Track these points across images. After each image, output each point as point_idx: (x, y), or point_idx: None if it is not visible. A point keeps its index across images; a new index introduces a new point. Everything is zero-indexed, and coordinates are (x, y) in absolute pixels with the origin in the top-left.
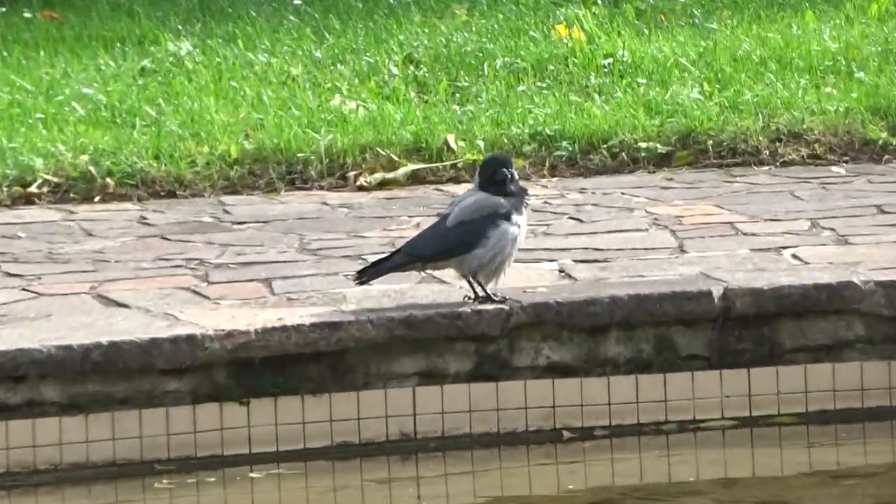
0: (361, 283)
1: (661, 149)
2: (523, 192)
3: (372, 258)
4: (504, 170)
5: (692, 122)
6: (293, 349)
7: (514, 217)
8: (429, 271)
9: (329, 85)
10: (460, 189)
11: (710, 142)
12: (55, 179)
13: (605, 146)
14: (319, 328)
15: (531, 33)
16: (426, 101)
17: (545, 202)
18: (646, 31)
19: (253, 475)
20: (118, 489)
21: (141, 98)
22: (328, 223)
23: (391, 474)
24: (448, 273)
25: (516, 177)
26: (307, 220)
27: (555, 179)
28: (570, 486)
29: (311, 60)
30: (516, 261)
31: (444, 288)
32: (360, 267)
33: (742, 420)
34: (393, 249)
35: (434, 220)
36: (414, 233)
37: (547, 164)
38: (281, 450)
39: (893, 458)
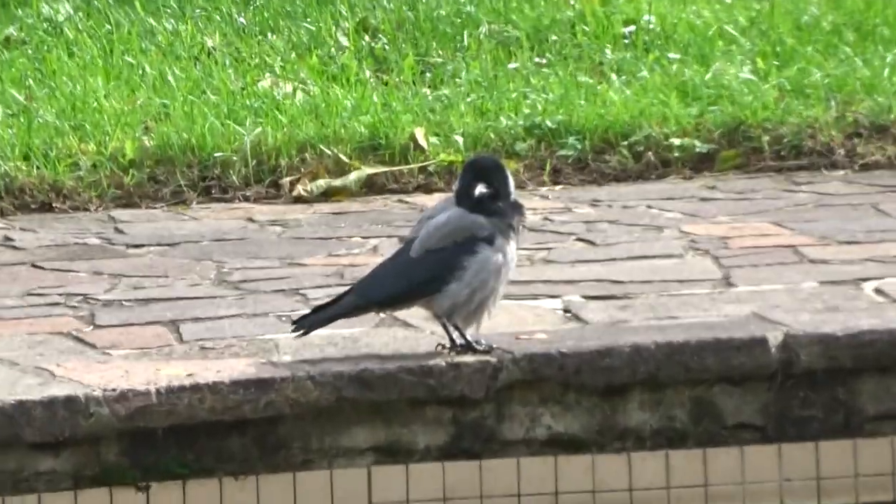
0: (300, 335)
1: (700, 147)
2: (516, 208)
3: (314, 294)
4: (479, 185)
5: (742, 111)
6: (208, 416)
7: (499, 242)
8: (389, 313)
9: (256, 61)
10: (431, 200)
11: (766, 138)
12: None
13: (625, 143)
14: (243, 388)
15: None
16: (386, 83)
17: (545, 218)
18: None
19: None
20: None
21: (4, 78)
22: (255, 246)
23: None
24: (416, 313)
25: (510, 187)
26: (227, 243)
27: (558, 188)
28: None
29: (232, 29)
30: (507, 297)
31: (411, 333)
32: (299, 311)
33: None
34: (341, 283)
35: (396, 243)
36: (370, 260)
37: (548, 167)
38: None
39: None
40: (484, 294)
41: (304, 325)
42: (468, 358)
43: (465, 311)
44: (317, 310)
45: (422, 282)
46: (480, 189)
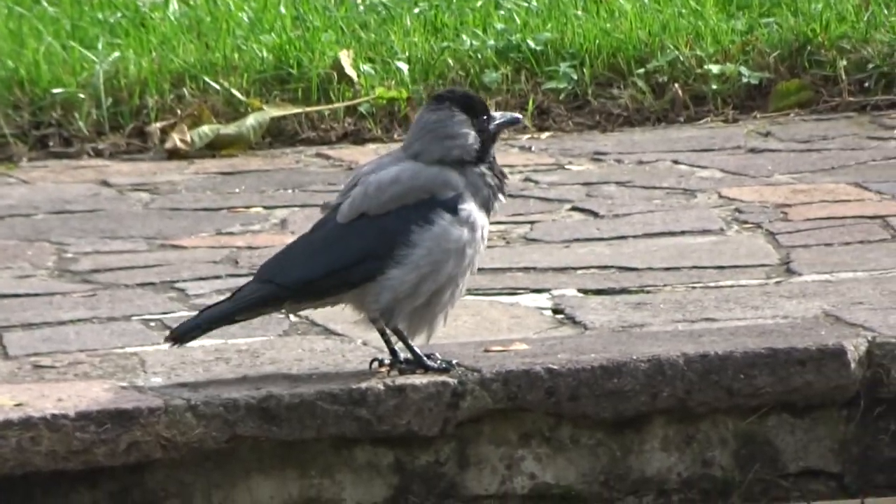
0: (177, 343)
1: (748, 76)
2: (496, 173)
3: (195, 289)
4: (462, 116)
5: (808, 24)
6: (45, 464)
7: (467, 210)
8: (305, 312)
9: None
10: (364, 153)
11: (844, 62)
12: None
13: (641, 72)
14: (95, 423)
15: None
16: None
17: (527, 179)
18: None
19: None
20: None
21: None
22: (112, 221)
23: None
24: (342, 313)
25: (493, 126)
26: (72, 216)
27: (545, 136)
28: None
29: None
30: (472, 291)
31: (334, 344)
32: (176, 313)
33: None
34: (235, 272)
35: (315, 214)
36: (277, 239)
37: (531, 106)
38: None
39: None
40: (438, 284)
41: (184, 331)
42: (417, 379)
43: (411, 308)
44: (204, 310)
45: (349, 263)
46: (501, 117)
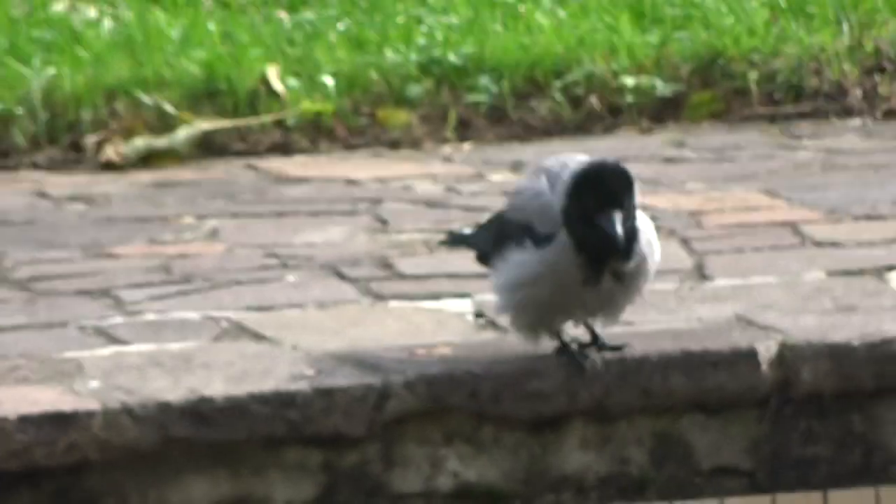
0: (448, 245)
1: (662, 88)
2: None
3: (130, 296)
4: (615, 214)
5: (720, 38)
6: None
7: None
8: (237, 317)
9: None
10: (291, 165)
11: (754, 75)
12: None
13: (558, 85)
14: (35, 425)
15: None
16: (227, 6)
17: (448, 189)
18: None
19: None
20: None
21: None
22: (48, 231)
23: None
24: (271, 320)
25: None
26: (9, 228)
27: (467, 146)
28: None
29: None
30: (399, 298)
31: (263, 349)
32: (109, 317)
33: None
34: (168, 279)
35: (245, 224)
36: (207, 249)
37: (452, 118)
38: None
39: None
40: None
41: (455, 238)
42: (344, 381)
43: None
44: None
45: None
46: (618, 224)
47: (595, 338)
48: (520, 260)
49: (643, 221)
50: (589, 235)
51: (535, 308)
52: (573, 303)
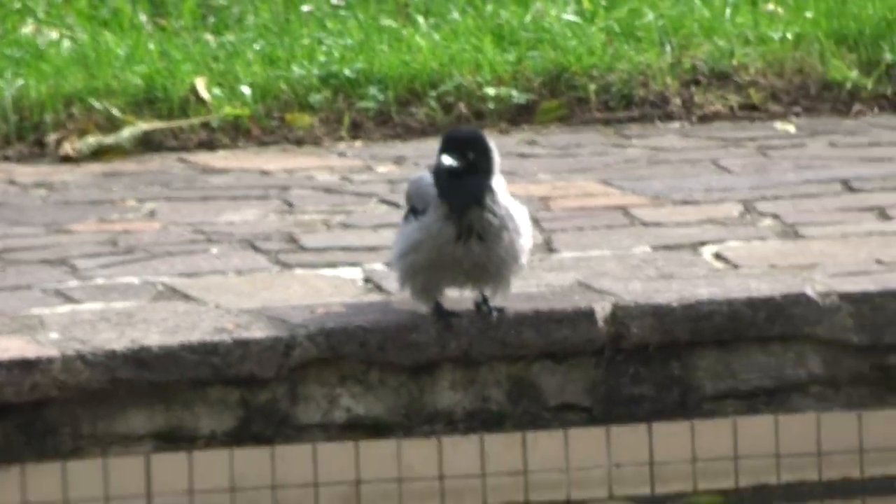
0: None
1: (517, 97)
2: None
3: (83, 264)
4: (445, 156)
5: (565, 56)
6: None
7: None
8: (172, 282)
9: (18, 6)
10: (215, 158)
11: (593, 86)
12: None
13: (433, 94)
14: (6, 369)
15: None
16: (164, 29)
17: (343, 178)
18: None
19: None
20: None
21: None
22: (16, 212)
23: None
24: (199, 283)
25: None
26: None
27: (358, 144)
28: None
29: None
30: (301, 266)
31: (192, 307)
32: (66, 282)
33: (641, 501)
34: (114, 251)
35: (178, 206)
36: (146, 226)
37: (346, 121)
38: None
39: None
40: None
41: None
42: (258, 333)
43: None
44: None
45: None
46: (447, 160)
47: (485, 300)
48: (405, 232)
49: (515, 205)
50: (440, 178)
51: (423, 272)
52: (450, 263)
